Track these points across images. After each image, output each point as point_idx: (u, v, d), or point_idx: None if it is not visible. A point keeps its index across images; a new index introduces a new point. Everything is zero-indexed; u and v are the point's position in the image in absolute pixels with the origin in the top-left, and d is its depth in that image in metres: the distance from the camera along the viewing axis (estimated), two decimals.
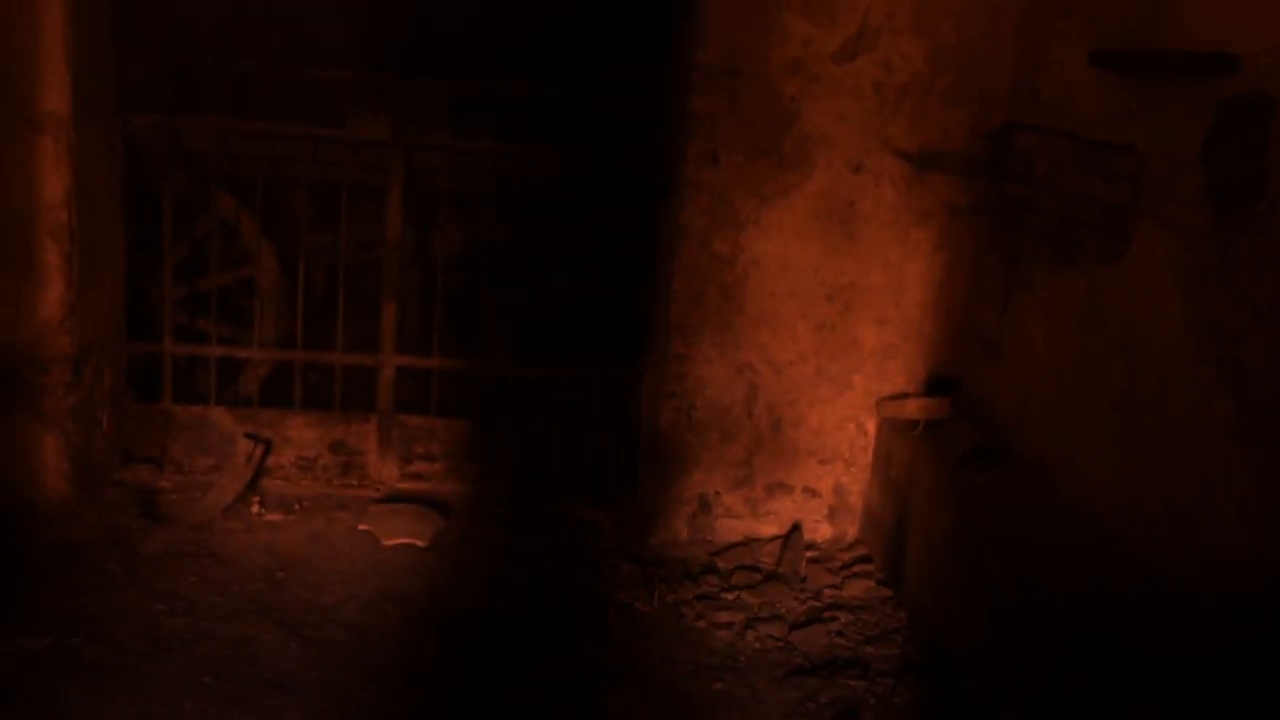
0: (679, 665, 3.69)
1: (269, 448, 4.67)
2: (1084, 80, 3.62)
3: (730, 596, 4.12)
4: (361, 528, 4.35)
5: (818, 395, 4.41)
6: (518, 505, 4.65)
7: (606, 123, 4.60)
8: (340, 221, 4.73)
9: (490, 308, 5.42)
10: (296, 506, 4.49)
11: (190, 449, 4.68)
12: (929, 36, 4.14)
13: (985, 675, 3.40)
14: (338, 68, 4.71)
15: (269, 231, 5.23)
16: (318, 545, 4.22)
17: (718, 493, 4.47)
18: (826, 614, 4.03)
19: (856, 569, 4.34)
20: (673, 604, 4.04)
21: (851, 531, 4.56)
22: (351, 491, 4.66)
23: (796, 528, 4.48)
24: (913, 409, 4.28)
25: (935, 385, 4.41)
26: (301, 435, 4.73)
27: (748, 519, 4.50)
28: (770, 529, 4.50)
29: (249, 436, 4.63)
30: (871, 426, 4.46)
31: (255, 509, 4.42)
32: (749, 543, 4.46)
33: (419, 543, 4.26)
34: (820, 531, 4.53)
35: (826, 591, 4.19)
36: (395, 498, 4.62)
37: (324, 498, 4.58)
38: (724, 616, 3.98)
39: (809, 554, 4.41)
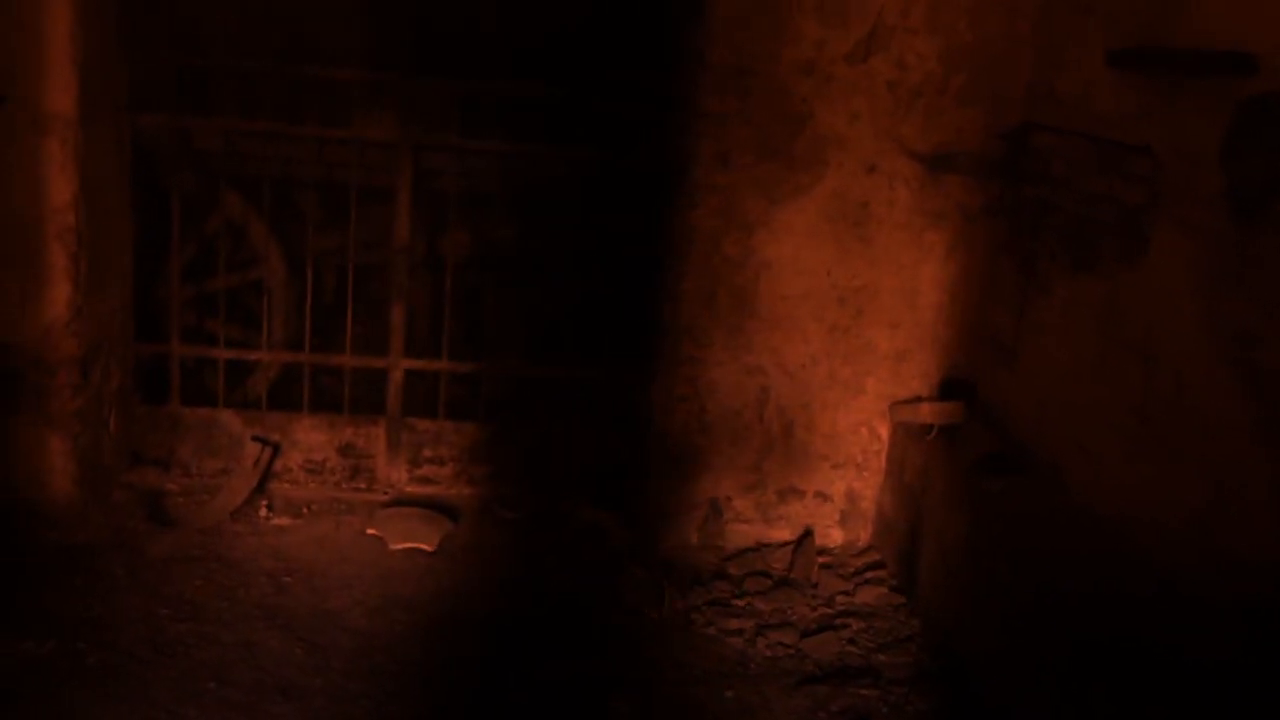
0: (689, 672, 3.65)
1: (277, 450, 4.64)
2: (1101, 80, 3.57)
3: (741, 603, 4.08)
4: (369, 532, 4.32)
5: (830, 399, 4.36)
6: (526, 508, 4.61)
7: (614, 123, 4.57)
8: (348, 222, 4.71)
9: (498, 309, 5.39)
10: (304, 510, 4.46)
11: (198, 451, 4.66)
12: (944, 35, 4.08)
13: (999, 681, 3.36)
14: (344, 68, 4.68)
15: (277, 233, 5.22)
16: (325, 549, 4.20)
17: (729, 497, 4.43)
18: (838, 621, 3.99)
19: (869, 575, 4.29)
20: (683, 610, 4.00)
21: (864, 537, 4.51)
22: (360, 495, 4.63)
23: (808, 533, 4.44)
24: (926, 413, 4.23)
25: (949, 389, 4.36)
26: (310, 438, 4.71)
27: (759, 524, 4.45)
28: (782, 534, 4.46)
29: (257, 439, 4.60)
30: (884, 431, 4.41)
31: (263, 512, 4.40)
32: (760, 548, 4.42)
33: (426, 547, 4.23)
34: (832, 537, 4.49)
35: (838, 598, 4.15)
36: (404, 501, 4.59)
37: (332, 501, 4.55)
38: (734, 623, 3.94)
39: (821, 560, 4.37)
